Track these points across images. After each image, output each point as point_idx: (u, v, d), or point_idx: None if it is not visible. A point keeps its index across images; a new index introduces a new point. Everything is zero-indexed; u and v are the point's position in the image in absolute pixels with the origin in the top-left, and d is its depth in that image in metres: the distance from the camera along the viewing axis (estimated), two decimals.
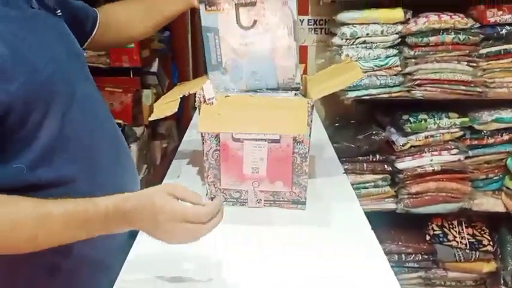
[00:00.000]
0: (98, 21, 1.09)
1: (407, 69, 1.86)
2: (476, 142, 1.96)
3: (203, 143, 1.07)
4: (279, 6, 1.07)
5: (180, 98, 1.12)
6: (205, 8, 1.09)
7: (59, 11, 0.88)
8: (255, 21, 1.09)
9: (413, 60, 1.84)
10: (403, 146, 1.93)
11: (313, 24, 2.16)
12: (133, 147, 2.20)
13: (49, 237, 0.70)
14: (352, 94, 1.89)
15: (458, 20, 1.79)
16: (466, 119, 1.93)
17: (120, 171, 0.94)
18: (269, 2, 1.07)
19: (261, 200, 1.10)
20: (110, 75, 2.29)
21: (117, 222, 0.71)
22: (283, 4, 1.07)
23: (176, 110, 1.04)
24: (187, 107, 2.56)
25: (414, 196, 1.97)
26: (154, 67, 2.58)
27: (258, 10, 1.08)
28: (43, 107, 0.75)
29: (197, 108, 1.07)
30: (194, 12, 3.08)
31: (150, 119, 1.07)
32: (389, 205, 2.01)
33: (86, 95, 0.87)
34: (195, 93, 1.06)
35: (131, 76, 2.34)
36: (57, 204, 0.69)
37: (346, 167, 1.90)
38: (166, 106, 1.06)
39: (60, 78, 0.79)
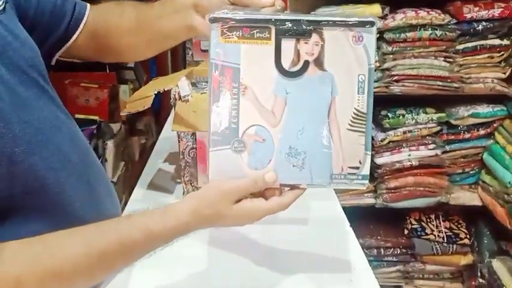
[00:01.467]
0: (83, 20, 0.80)
1: (386, 65, 1.87)
2: (453, 137, 1.99)
3: (179, 141, 1.05)
4: (348, 44, 0.64)
5: (155, 93, 1.10)
6: (221, 33, 0.63)
7: (0, 3, 0.64)
8: (306, 63, 0.64)
9: (391, 56, 1.85)
10: (381, 141, 1.94)
11: None
12: (110, 144, 2.16)
13: (108, 271, 0.63)
14: None
15: (435, 16, 1.81)
16: (443, 114, 1.95)
17: (96, 204, 0.75)
18: (332, 33, 0.63)
19: None
20: (85, 70, 2.24)
21: (176, 236, 0.65)
22: (356, 41, 0.64)
23: (149, 105, 1.02)
24: (166, 102, 2.52)
25: (392, 191, 1.99)
26: (131, 62, 2.53)
27: (312, 46, 0.63)
28: None
29: (173, 106, 1.04)
30: None
31: (122, 114, 1.04)
32: (368, 200, 2.03)
33: (39, 125, 0.64)
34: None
35: (107, 71, 2.29)
36: (111, 234, 0.60)
37: None
38: (139, 102, 1.04)
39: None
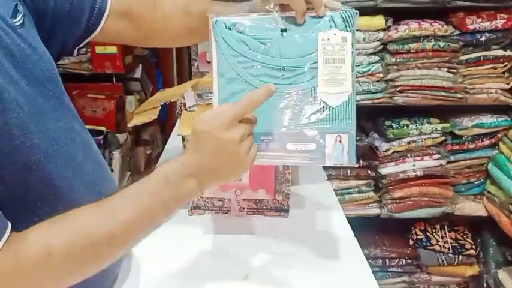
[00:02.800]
0: (105, 15, 0.80)
1: (389, 76, 1.88)
2: (457, 147, 1.99)
3: (185, 149, 1.06)
4: None
5: (161, 105, 1.12)
6: None
7: (18, 18, 0.65)
8: None
9: (394, 66, 1.86)
10: (386, 151, 1.95)
11: None
12: (116, 154, 2.18)
13: (133, 237, 0.64)
14: None
15: (438, 27, 1.82)
16: (447, 125, 1.95)
17: None
18: None
19: (243, 208, 1.10)
20: (92, 82, 2.27)
21: (181, 181, 0.65)
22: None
23: (155, 117, 1.04)
24: (172, 113, 2.55)
25: (397, 201, 1.98)
26: (138, 73, 2.56)
27: None
28: None
29: (179, 116, 1.06)
30: None
31: (129, 125, 1.06)
32: (373, 210, 2.03)
33: (55, 135, 0.66)
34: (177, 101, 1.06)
35: (114, 82, 2.32)
36: (129, 200, 0.63)
37: (329, 172, 1.91)
38: (145, 113, 1.05)
39: (15, 128, 0.59)
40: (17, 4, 0.66)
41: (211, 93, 1.13)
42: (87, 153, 0.73)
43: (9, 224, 0.56)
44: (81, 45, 0.83)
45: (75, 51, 0.87)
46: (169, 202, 0.66)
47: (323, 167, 1.44)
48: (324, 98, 0.70)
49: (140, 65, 2.56)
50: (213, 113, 0.66)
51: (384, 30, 1.85)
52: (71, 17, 0.77)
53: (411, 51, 1.83)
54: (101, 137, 2.11)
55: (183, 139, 1.05)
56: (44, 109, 0.65)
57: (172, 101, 1.07)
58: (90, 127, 2.10)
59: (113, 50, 2.18)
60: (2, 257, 0.54)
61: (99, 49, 2.17)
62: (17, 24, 0.65)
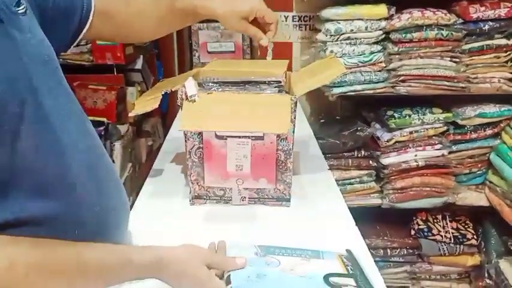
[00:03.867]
0: (92, 10, 0.91)
1: (392, 65, 1.87)
2: (459, 137, 1.98)
3: (186, 141, 1.06)
4: None
5: (164, 94, 1.11)
6: None
7: (21, 7, 0.71)
8: None
9: (397, 56, 1.85)
10: (387, 141, 1.94)
11: (298, 21, 2.16)
12: (118, 145, 2.18)
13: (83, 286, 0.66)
14: (336, 90, 1.90)
15: (441, 16, 1.80)
16: (450, 114, 1.95)
17: (103, 194, 0.78)
18: None
19: (245, 197, 1.10)
20: (93, 73, 2.26)
21: (147, 276, 0.70)
22: None
23: (157, 106, 1.03)
24: (173, 105, 2.54)
25: (399, 191, 1.98)
26: (139, 64, 2.55)
27: None
28: (8, 136, 0.62)
29: (180, 106, 1.05)
30: None
31: (130, 115, 1.06)
32: (375, 200, 2.03)
33: (52, 111, 0.69)
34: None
35: (115, 73, 2.31)
36: (93, 253, 0.65)
37: (331, 163, 1.90)
38: (147, 102, 1.05)
39: (14, 98, 0.63)
40: None
41: (212, 82, 1.13)
42: (83, 134, 0.77)
43: None
44: (76, 42, 0.92)
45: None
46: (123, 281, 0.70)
47: (324, 156, 1.44)
48: None
49: (141, 55, 2.54)
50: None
51: (386, 19, 1.83)
52: (67, 14, 0.86)
53: (414, 40, 1.82)
54: (102, 128, 2.10)
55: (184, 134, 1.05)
56: (45, 85, 0.69)
57: (173, 90, 1.07)
58: (91, 118, 2.08)
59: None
60: None
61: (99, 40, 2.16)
62: (19, 12, 0.70)
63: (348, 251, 0.85)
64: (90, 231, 0.72)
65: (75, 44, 0.92)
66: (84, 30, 0.91)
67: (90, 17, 0.91)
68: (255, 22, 1.03)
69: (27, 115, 0.64)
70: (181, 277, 0.71)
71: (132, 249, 0.71)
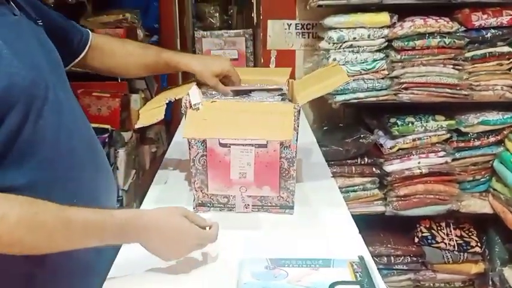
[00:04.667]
0: (88, 43, 1.10)
1: (394, 73, 1.87)
2: (462, 144, 1.98)
3: (189, 148, 1.06)
4: None
5: (167, 103, 1.12)
6: None
7: (40, 20, 0.90)
8: None
9: (399, 63, 1.86)
10: (391, 148, 1.94)
11: (301, 29, 2.17)
12: (121, 152, 2.19)
13: (66, 241, 0.74)
14: (339, 98, 1.90)
15: (443, 23, 1.81)
16: (453, 122, 1.95)
17: (98, 176, 0.95)
18: None
19: (248, 205, 1.10)
20: (97, 80, 2.27)
21: (129, 235, 0.79)
22: None
23: (162, 117, 1.04)
24: (176, 111, 2.55)
25: (402, 198, 1.98)
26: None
27: None
28: (21, 112, 0.75)
29: (184, 114, 1.06)
30: (182, 15, 3.08)
31: (136, 126, 1.07)
32: (378, 208, 2.03)
33: (64, 100, 0.87)
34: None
35: (119, 81, 2.32)
36: (78, 212, 0.74)
37: (334, 170, 1.91)
38: (151, 113, 1.06)
39: (40, 84, 0.80)
40: (35, 17, 0.90)
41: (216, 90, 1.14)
42: (84, 121, 0.96)
43: None
44: (68, 67, 1.05)
45: None
46: (106, 242, 0.78)
47: (328, 163, 1.44)
48: None
49: None
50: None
51: (388, 27, 1.84)
52: (68, 36, 1.06)
53: (416, 48, 1.83)
54: (106, 135, 2.11)
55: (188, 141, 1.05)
56: (56, 80, 0.86)
57: (177, 98, 1.08)
58: (95, 125, 2.10)
59: None
60: None
61: None
62: (39, 24, 0.90)
63: (360, 257, 0.85)
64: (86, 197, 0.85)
65: (67, 68, 1.04)
66: (79, 58, 1.10)
67: (86, 49, 1.10)
68: (224, 78, 1.20)
69: (49, 98, 0.80)
70: (164, 230, 0.81)
71: (114, 210, 0.81)
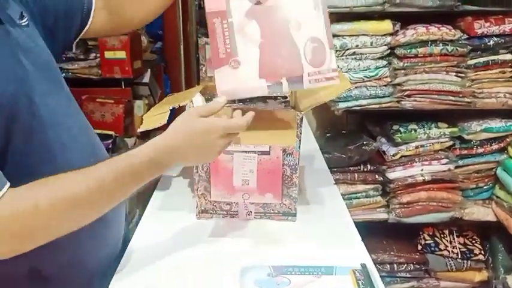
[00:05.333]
0: (92, 9, 0.97)
1: (397, 80, 1.88)
2: (465, 152, 1.98)
3: None
4: None
5: (171, 109, 1.12)
6: None
7: (24, 20, 0.80)
8: None
9: (402, 71, 1.86)
10: (393, 156, 1.94)
11: None
12: None
13: (108, 198, 0.74)
14: (342, 105, 1.91)
15: (446, 31, 1.82)
16: (455, 129, 1.95)
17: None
18: None
19: (251, 212, 1.10)
20: (101, 87, 2.29)
21: (161, 162, 0.78)
22: None
23: (165, 121, 1.04)
24: None
25: (405, 206, 1.98)
26: (146, 78, 2.58)
27: None
28: (3, 132, 0.69)
29: None
30: (186, 22, 3.10)
31: (139, 130, 1.07)
32: (381, 215, 2.02)
33: (57, 109, 0.80)
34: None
35: (123, 87, 2.34)
36: (106, 167, 0.73)
37: (337, 177, 1.91)
38: (155, 118, 1.06)
39: (23, 98, 0.72)
40: (22, 12, 0.80)
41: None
42: (82, 130, 0.87)
43: (8, 182, 0.65)
44: (77, 39, 0.98)
45: (74, 48, 1.04)
46: (145, 178, 0.77)
47: (330, 170, 1.44)
48: None
49: (149, 69, 2.58)
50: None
51: (391, 34, 1.85)
52: (68, 16, 0.93)
53: (419, 55, 1.84)
54: (109, 141, 2.12)
55: None
56: (46, 88, 0.78)
57: (181, 105, 1.08)
58: (99, 131, 2.12)
59: (122, 55, 2.20)
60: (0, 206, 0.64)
61: (108, 54, 2.20)
62: (23, 24, 0.80)
63: (362, 265, 0.85)
64: None
65: (77, 39, 0.98)
66: (86, 28, 0.97)
67: (91, 17, 0.97)
68: None
69: (37, 112, 0.74)
70: (191, 142, 0.79)
71: (132, 152, 0.77)
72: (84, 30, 0.97)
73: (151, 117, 1.10)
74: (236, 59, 0.84)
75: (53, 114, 0.78)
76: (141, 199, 2.28)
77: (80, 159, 0.80)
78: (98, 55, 2.20)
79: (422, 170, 1.95)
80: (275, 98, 1.12)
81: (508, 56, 1.87)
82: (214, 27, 0.84)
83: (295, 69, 0.85)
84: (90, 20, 0.97)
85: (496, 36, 1.84)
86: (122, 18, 1.03)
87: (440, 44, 1.82)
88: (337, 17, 1.88)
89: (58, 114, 0.79)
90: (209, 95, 1.18)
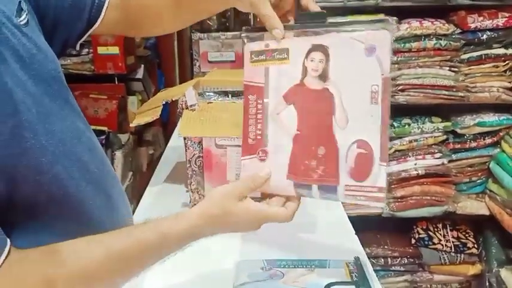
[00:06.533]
0: (104, 7, 0.80)
1: (391, 75, 1.87)
2: (459, 146, 1.99)
3: (186, 150, 1.07)
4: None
5: (164, 104, 1.12)
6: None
7: (23, 17, 0.65)
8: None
9: (396, 65, 1.87)
10: None
11: None
12: (118, 154, 2.19)
13: (127, 275, 0.66)
14: None
15: (439, 26, 1.82)
16: (449, 123, 1.95)
17: (112, 211, 0.76)
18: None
19: None
20: (95, 82, 2.28)
21: (190, 240, 0.69)
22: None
23: (158, 116, 1.04)
24: (173, 113, 2.55)
25: (399, 200, 1.99)
26: (140, 73, 2.57)
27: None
28: (7, 174, 0.57)
29: (180, 115, 1.06)
30: None
31: (132, 125, 1.06)
32: (375, 209, 2.03)
33: (65, 135, 0.67)
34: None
35: (116, 83, 2.33)
36: (127, 247, 0.63)
37: None
38: (148, 113, 1.06)
39: (25, 131, 0.59)
40: (20, 1, 0.66)
41: (212, 92, 1.14)
42: (92, 153, 0.73)
43: (8, 242, 0.56)
44: (83, 39, 0.82)
45: (78, 46, 0.85)
46: (169, 254, 0.69)
47: None
48: None
49: (142, 65, 2.57)
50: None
51: None
52: (73, 12, 0.77)
53: (412, 50, 1.84)
54: (103, 137, 2.12)
55: (185, 138, 1.05)
56: (50, 109, 0.65)
57: (173, 99, 1.08)
58: (93, 127, 2.09)
59: (115, 50, 2.19)
60: (2, 276, 0.54)
61: (101, 50, 2.18)
62: (22, 23, 0.64)
63: (356, 258, 0.86)
64: None
65: (84, 38, 0.83)
66: (96, 26, 0.81)
67: (102, 13, 0.81)
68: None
69: (44, 146, 0.61)
70: (228, 227, 0.69)
71: (163, 224, 0.67)
72: (92, 29, 0.81)
73: (144, 112, 1.10)
74: (265, 150, 0.71)
75: (59, 143, 0.65)
76: (135, 194, 2.28)
77: (92, 191, 0.69)
78: (91, 50, 2.19)
79: (416, 164, 1.96)
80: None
81: (501, 50, 1.87)
82: (249, 105, 0.71)
83: (330, 176, 0.67)
84: (101, 17, 0.81)
85: (490, 30, 1.84)
86: (134, 28, 0.89)
87: (434, 39, 1.82)
88: (332, 11, 1.87)
89: (65, 143, 0.66)
90: (202, 89, 1.18)
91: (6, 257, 0.54)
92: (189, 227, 0.66)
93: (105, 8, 0.80)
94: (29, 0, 0.70)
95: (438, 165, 1.97)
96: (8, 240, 0.56)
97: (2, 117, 0.56)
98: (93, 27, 0.81)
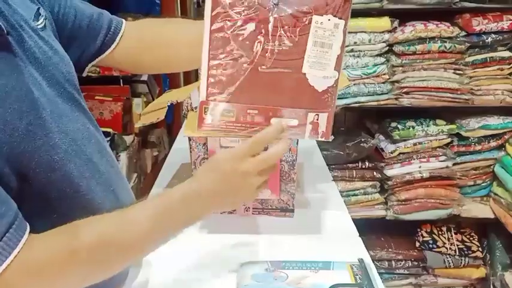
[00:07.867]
0: (120, 35, 0.82)
1: (395, 77, 1.88)
2: (463, 149, 1.99)
3: (191, 151, 1.07)
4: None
5: (169, 105, 1.13)
6: None
7: (40, 21, 0.68)
8: None
9: (400, 68, 1.87)
10: (391, 153, 1.94)
11: None
12: (123, 156, 2.19)
13: (141, 245, 0.67)
14: (340, 102, 1.91)
15: (444, 28, 1.82)
16: (454, 126, 1.95)
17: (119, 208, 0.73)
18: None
19: (249, 208, 1.10)
20: (100, 84, 2.29)
21: (195, 211, 0.70)
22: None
23: (162, 117, 1.04)
24: (178, 115, 2.56)
25: (403, 203, 1.98)
26: (145, 75, 2.58)
27: None
28: (20, 170, 0.59)
29: (185, 117, 1.07)
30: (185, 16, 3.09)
31: (136, 125, 1.07)
32: (379, 212, 2.03)
33: (76, 135, 0.69)
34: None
35: (121, 85, 2.33)
36: (138, 211, 0.66)
37: (335, 174, 1.91)
38: (152, 113, 1.06)
39: (39, 128, 0.61)
40: (39, 8, 0.69)
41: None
42: (101, 154, 0.75)
43: (28, 226, 0.58)
44: (93, 63, 0.83)
45: (85, 73, 0.85)
46: (181, 221, 0.70)
47: (329, 167, 1.45)
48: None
49: None
50: (230, 150, 0.70)
51: (389, 31, 1.85)
52: (89, 32, 0.79)
53: (417, 52, 1.84)
54: (108, 138, 2.12)
55: (190, 139, 1.06)
56: (63, 110, 0.68)
57: (178, 101, 1.08)
58: None
59: None
60: (24, 256, 0.56)
61: None
62: (39, 27, 0.67)
63: (359, 260, 0.86)
64: None
65: (93, 63, 0.83)
66: (108, 51, 0.82)
67: (117, 40, 0.82)
68: None
69: (56, 144, 0.64)
70: (220, 189, 0.69)
71: (180, 186, 0.69)
72: (105, 54, 0.81)
73: (149, 113, 1.10)
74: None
75: (72, 142, 0.67)
76: (140, 196, 2.29)
77: (101, 191, 0.71)
78: None
79: (420, 167, 1.96)
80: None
81: (506, 53, 1.87)
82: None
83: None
84: (115, 43, 0.81)
85: (494, 33, 1.84)
86: (146, 63, 0.89)
87: (439, 41, 1.82)
88: None
89: (77, 142, 0.68)
90: None
91: (26, 239, 0.57)
92: (187, 182, 0.69)
93: (119, 35, 0.82)
94: (51, 12, 0.73)
95: (443, 168, 1.97)
96: (28, 225, 0.58)
97: (19, 114, 0.58)
98: (106, 52, 0.82)
